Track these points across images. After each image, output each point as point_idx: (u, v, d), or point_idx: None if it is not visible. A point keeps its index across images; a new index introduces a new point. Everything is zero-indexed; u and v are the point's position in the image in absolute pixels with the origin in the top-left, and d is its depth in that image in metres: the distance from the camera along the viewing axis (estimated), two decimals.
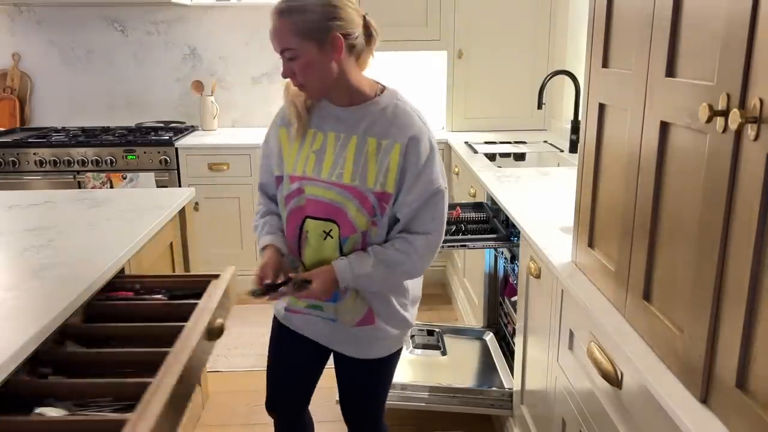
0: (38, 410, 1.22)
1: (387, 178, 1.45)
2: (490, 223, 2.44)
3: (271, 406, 1.77)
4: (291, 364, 1.73)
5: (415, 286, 1.67)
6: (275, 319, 1.72)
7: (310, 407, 1.85)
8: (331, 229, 1.49)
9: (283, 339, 1.70)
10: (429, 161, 1.47)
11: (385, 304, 1.58)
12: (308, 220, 1.51)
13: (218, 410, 2.61)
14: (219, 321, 1.52)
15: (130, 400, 1.24)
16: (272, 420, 1.82)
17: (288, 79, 1.48)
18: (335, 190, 1.47)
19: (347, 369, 1.68)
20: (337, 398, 1.76)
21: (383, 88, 1.53)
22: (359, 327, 1.58)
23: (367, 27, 1.46)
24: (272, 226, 1.60)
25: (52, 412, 1.21)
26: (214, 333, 1.49)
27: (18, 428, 1.17)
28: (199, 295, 1.62)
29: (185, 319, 1.50)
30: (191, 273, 1.76)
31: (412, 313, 1.68)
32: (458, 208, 2.57)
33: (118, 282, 1.72)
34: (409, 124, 1.47)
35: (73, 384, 1.30)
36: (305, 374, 1.74)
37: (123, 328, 1.52)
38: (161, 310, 1.60)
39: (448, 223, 2.40)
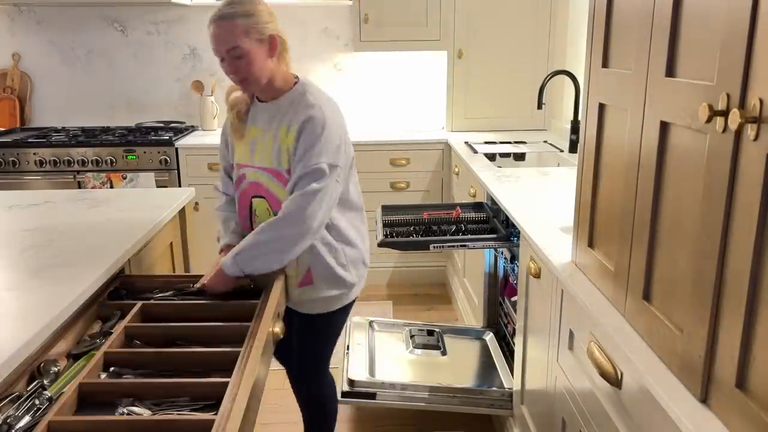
0: (124, 409, 1.23)
1: (289, 157, 1.71)
2: (490, 223, 2.44)
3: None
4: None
5: (350, 247, 1.84)
6: None
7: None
8: (267, 205, 1.78)
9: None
10: (317, 140, 1.66)
11: (321, 266, 1.79)
12: (254, 199, 1.80)
13: None
14: (280, 322, 1.60)
15: (207, 399, 1.27)
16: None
17: (229, 90, 1.83)
18: (261, 173, 1.77)
19: (295, 326, 1.90)
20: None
21: (296, 82, 1.78)
22: (301, 288, 1.81)
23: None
24: (233, 225, 1.88)
25: (139, 412, 1.23)
26: (277, 333, 1.55)
27: (107, 428, 1.19)
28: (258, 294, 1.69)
29: (245, 319, 1.54)
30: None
31: (353, 274, 1.86)
32: (458, 208, 2.57)
33: (175, 280, 1.82)
34: (304, 109, 1.70)
35: (150, 384, 1.32)
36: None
37: (186, 328, 1.55)
38: (216, 310, 1.63)
39: (449, 222, 2.43)
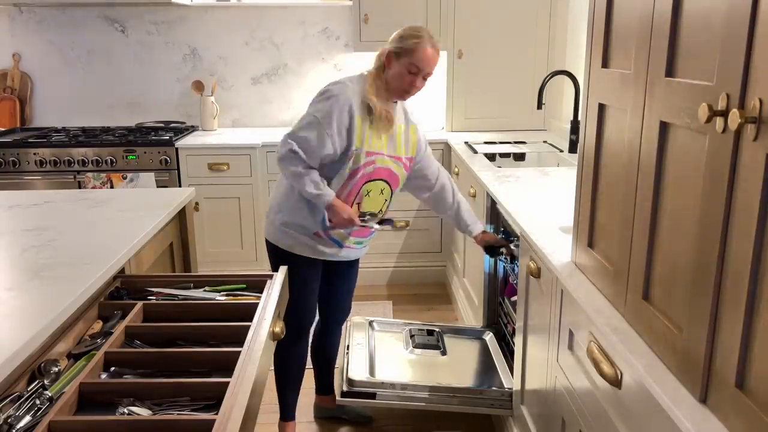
0: (125, 409, 1.23)
1: (413, 147, 2.20)
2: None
3: (298, 335, 2.26)
4: (317, 285, 2.27)
5: None
6: (301, 260, 2.15)
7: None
8: (383, 188, 2.14)
9: (312, 272, 2.21)
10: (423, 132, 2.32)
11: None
12: (370, 183, 2.09)
13: None
14: (280, 322, 1.59)
15: (207, 399, 1.28)
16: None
17: (372, 89, 2.08)
18: (393, 160, 2.12)
19: (344, 275, 2.34)
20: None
21: None
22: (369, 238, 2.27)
23: None
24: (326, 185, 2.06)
25: (140, 412, 1.23)
26: (278, 332, 1.55)
27: (107, 428, 1.19)
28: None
29: (245, 319, 1.54)
30: (245, 273, 1.83)
31: None
32: None
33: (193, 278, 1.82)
34: (411, 111, 2.25)
35: (150, 384, 1.32)
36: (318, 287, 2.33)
37: (186, 328, 1.55)
38: (217, 310, 1.63)
39: None
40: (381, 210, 2.18)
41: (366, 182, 2.08)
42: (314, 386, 2.56)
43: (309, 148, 2.00)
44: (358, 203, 2.09)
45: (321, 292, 2.31)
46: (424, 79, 2.07)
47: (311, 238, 2.12)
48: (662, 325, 1.14)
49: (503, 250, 2.26)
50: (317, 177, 2.02)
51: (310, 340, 2.40)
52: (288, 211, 2.12)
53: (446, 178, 2.30)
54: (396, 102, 2.14)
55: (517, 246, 2.12)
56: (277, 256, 2.17)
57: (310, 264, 2.18)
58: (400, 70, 2.04)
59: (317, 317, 2.38)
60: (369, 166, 2.07)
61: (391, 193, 2.18)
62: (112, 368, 1.39)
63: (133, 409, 1.24)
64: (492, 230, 2.59)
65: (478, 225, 2.29)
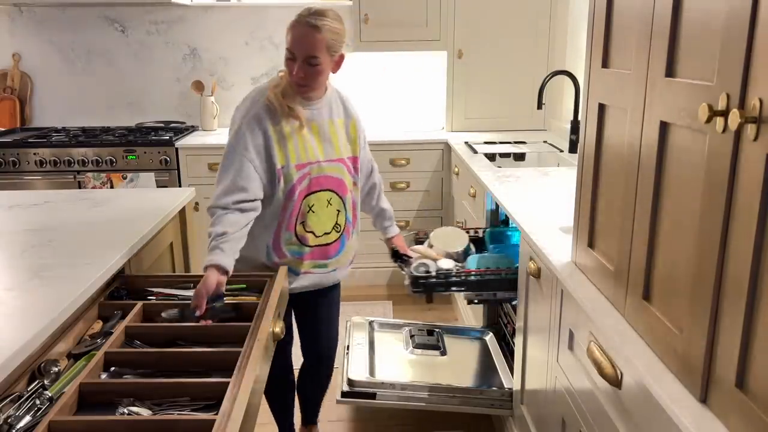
0: (125, 409, 1.23)
1: (353, 147, 1.96)
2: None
3: (288, 370, 2.20)
4: (286, 323, 2.04)
5: None
6: None
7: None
8: (330, 198, 1.90)
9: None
10: (364, 129, 2.06)
11: (355, 249, 2.08)
12: (311, 196, 1.86)
13: None
14: (280, 322, 1.59)
15: (207, 399, 1.28)
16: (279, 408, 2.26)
17: (276, 81, 1.86)
18: (333, 165, 1.90)
19: (321, 304, 2.09)
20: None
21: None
22: (351, 266, 2.10)
23: None
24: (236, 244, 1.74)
25: (141, 412, 1.23)
26: (278, 333, 1.55)
27: (107, 428, 1.19)
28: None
29: (245, 319, 1.55)
30: (245, 273, 1.83)
31: None
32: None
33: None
34: (352, 105, 2.03)
35: (150, 384, 1.32)
36: (290, 324, 2.14)
37: (186, 328, 1.55)
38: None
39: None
40: (338, 223, 1.92)
41: (305, 197, 1.85)
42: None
43: (240, 184, 1.74)
44: (302, 223, 1.85)
45: (298, 326, 2.15)
46: (309, 65, 1.74)
47: (266, 268, 1.88)
48: (662, 325, 1.14)
49: (405, 258, 2.21)
50: (230, 224, 1.72)
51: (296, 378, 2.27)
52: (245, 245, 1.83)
53: (377, 179, 2.16)
54: (320, 98, 1.87)
55: (407, 266, 2.19)
56: None
57: None
58: (285, 58, 1.79)
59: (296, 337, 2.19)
60: (303, 180, 1.83)
61: (343, 201, 1.92)
62: (112, 368, 1.39)
63: (133, 409, 1.24)
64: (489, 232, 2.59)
65: (394, 229, 2.23)
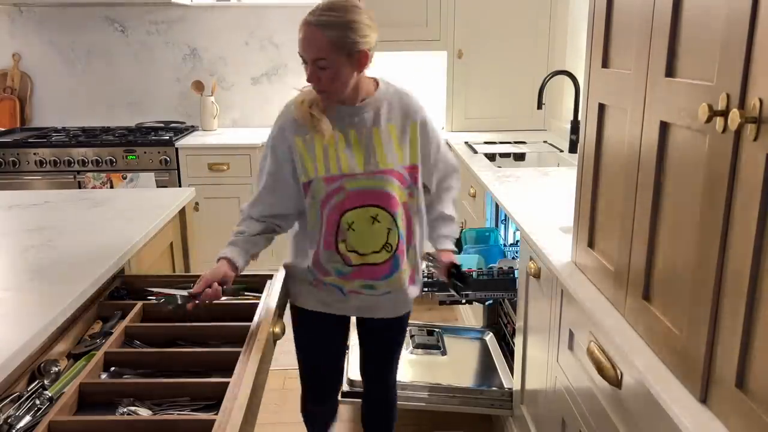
0: (125, 409, 1.24)
1: (412, 153, 1.69)
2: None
3: (320, 399, 1.97)
4: (335, 347, 1.91)
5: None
6: (308, 314, 1.78)
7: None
8: (377, 214, 1.64)
9: (323, 329, 1.83)
10: (435, 130, 1.78)
11: (418, 266, 1.80)
12: (348, 213, 1.63)
13: None
14: (281, 322, 1.59)
15: (207, 399, 1.28)
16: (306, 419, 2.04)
17: (305, 92, 1.65)
18: (375, 177, 1.64)
19: (377, 332, 1.88)
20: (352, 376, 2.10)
21: (376, 80, 1.70)
22: (410, 286, 1.78)
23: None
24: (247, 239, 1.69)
25: (141, 412, 1.23)
26: (278, 333, 1.55)
27: (107, 428, 1.20)
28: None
29: (245, 319, 1.55)
30: (245, 273, 1.82)
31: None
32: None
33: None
34: (416, 105, 1.74)
35: (150, 384, 1.32)
36: (343, 350, 1.95)
37: (186, 328, 1.55)
38: (217, 310, 1.63)
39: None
40: (389, 242, 1.66)
41: (342, 214, 1.63)
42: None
43: (267, 201, 1.71)
44: (344, 241, 1.65)
45: (365, 357, 1.99)
46: (319, 68, 1.53)
47: (311, 284, 1.74)
48: (662, 325, 1.14)
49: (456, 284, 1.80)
50: (248, 227, 1.70)
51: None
52: (291, 251, 1.80)
53: (452, 183, 1.88)
54: (361, 101, 1.65)
55: (461, 294, 2.06)
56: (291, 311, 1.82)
57: (321, 319, 1.78)
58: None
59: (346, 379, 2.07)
60: (336, 195, 1.63)
61: (393, 218, 1.65)
62: (112, 368, 1.39)
63: (133, 409, 1.24)
64: (496, 236, 2.59)
65: (447, 243, 1.85)
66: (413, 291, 1.80)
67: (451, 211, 1.86)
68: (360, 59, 1.55)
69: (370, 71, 1.64)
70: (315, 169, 1.63)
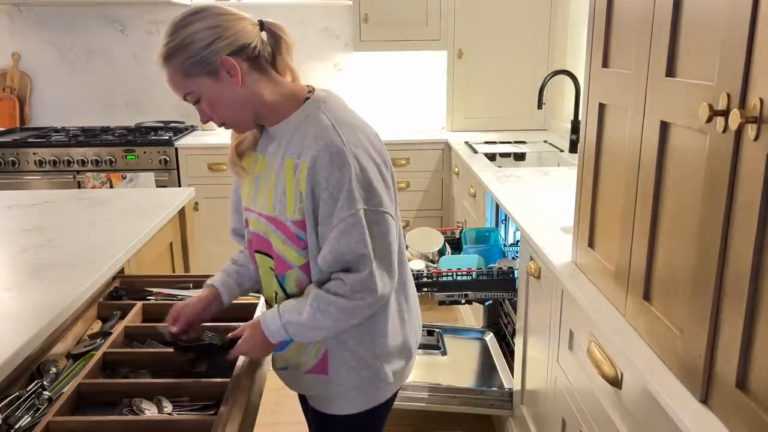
0: (124, 410, 1.23)
1: (299, 204, 1.26)
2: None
3: None
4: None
5: (395, 334, 1.39)
6: None
7: None
8: (272, 265, 1.35)
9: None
10: (342, 180, 1.21)
11: (344, 353, 1.34)
12: (257, 254, 1.39)
13: None
14: None
15: (207, 399, 1.28)
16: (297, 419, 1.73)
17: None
18: (262, 221, 1.33)
19: (313, 420, 1.49)
20: None
21: (308, 97, 1.31)
22: (311, 374, 1.37)
23: (268, 31, 1.29)
24: (230, 267, 1.50)
25: (147, 411, 1.23)
26: None
27: (106, 428, 1.19)
28: None
29: (245, 319, 1.53)
30: None
31: (390, 368, 1.38)
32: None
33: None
34: (319, 136, 1.23)
35: (150, 384, 1.32)
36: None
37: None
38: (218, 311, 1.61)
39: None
40: (278, 303, 1.34)
41: (256, 253, 1.39)
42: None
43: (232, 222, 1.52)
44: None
45: None
46: (195, 103, 1.31)
47: None
48: (663, 325, 1.14)
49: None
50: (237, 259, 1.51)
51: None
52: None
53: (321, 289, 1.28)
54: (277, 124, 1.31)
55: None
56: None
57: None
58: None
59: None
60: (246, 228, 1.42)
61: (279, 282, 1.34)
62: (111, 368, 1.39)
63: (133, 409, 1.24)
64: (496, 235, 2.58)
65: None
66: (327, 384, 1.36)
67: (309, 319, 1.25)
68: (228, 71, 1.22)
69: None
70: (243, 197, 1.41)
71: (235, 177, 1.41)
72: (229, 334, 1.34)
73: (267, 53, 1.28)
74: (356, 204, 1.21)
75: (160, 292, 1.71)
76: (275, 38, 1.30)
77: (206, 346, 1.35)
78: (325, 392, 1.39)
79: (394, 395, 1.48)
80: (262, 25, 1.29)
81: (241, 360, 1.36)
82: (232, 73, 1.23)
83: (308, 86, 1.34)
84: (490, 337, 2.65)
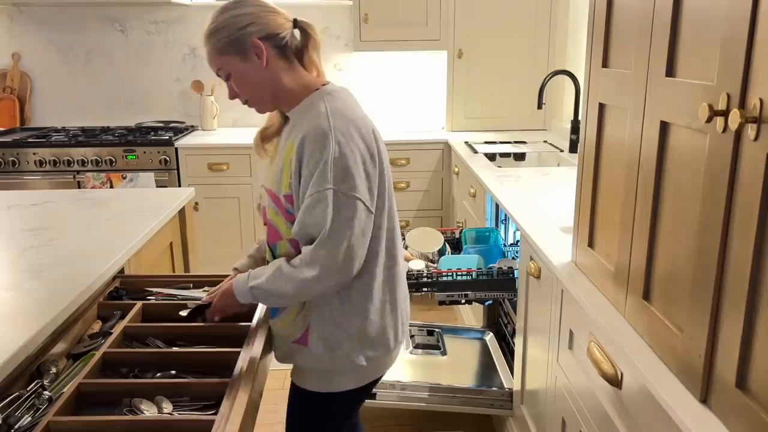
0: (124, 410, 1.23)
1: (288, 179, 1.39)
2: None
3: None
4: None
5: (374, 321, 1.46)
6: None
7: None
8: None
9: None
10: (320, 159, 1.31)
11: (323, 329, 1.44)
12: (265, 228, 1.52)
13: None
14: None
15: (207, 399, 1.28)
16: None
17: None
18: (266, 195, 1.49)
19: (290, 395, 1.59)
20: None
21: (320, 86, 1.44)
22: (297, 345, 1.47)
23: (300, 28, 1.46)
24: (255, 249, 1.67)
25: (148, 411, 1.23)
26: None
27: (106, 428, 1.19)
28: None
29: (245, 319, 1.54)
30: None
31: (363, 353, 1.46)
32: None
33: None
34: (311, 120, 1.36)
35: (150, 384, 1.32)
36: None
37: (186, 328, 1.54)
38: None
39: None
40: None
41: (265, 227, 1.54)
42: None
43: None
44: None
45: None
46: (225, 80, 1.44)
47: None
48: (663, 325, 1.14)
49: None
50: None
51: None
52: None
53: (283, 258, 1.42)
54: (293, 108, 1.46)
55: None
56: None
57: None
58: None
59: None
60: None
61: (272, 252, 1.48)
62: (111, 368, 1.39)
63: (133, 409, 1.24)
64: (495, 236, 2.59)
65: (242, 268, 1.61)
66: (304, 356, 1.47)
67: (267, 283, 1.37)
68: (256, 53, 1.37)
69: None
70: (263, 173, 1.57)
71: (258, 158, 1.58)
72: (210, 293, 1.55)
73: (294, 46, 1.45)
74: (326, 183, 1.31)
75: (160, 292, 1.71)
76: (305, 35, 1.46)
77: (198, 307, 1.54)
78: (303, 364, 1.50)
79: (369, 387, 1.57)
80: (295, 22, 1.46)
81: (241, 360, 1.36)
82: (259, 54, 1.38)
83: (327, 82, 1.48)
84: (490, 337, 2.65)
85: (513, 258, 2.36)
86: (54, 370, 1.34)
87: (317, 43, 1.48)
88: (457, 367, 2.46)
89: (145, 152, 3.54)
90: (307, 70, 1.46)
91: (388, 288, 1.49)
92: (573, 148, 3.09)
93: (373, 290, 1.45)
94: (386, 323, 1.49)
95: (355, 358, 1.46)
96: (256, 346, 1.41)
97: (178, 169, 3.58)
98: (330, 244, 1.31)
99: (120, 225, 1.95)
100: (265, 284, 1.38)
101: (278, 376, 2.60)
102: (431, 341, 2.57)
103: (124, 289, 1.71)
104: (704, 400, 1.01)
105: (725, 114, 0.92)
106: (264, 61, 1.38)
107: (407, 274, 1.99)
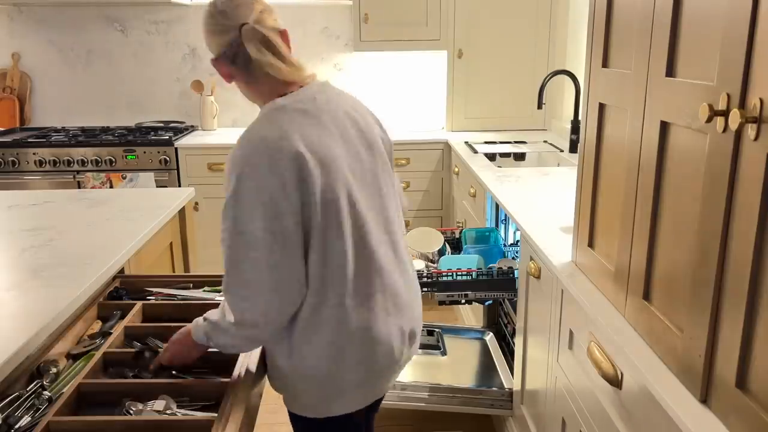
0: (124, 410, 1.23)
1: None
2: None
3: None
4: None
5: (316, 363, 1.32)
6: None
7: None
8: None
9: None
10: (227, 195, 1.24)
11: (270, 357, 1.39)
12: None
13: None
14: None
15: (207, 399, 1.28)
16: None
17: None
18: None
19: None
20: None
21: (285, 94, 1.37)
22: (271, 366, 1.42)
23: (251, 32, 1.34)
24: None
25: (155, 408, 1.23)
26: None
27: (106, 428, 1.19)
28: None
29: None
30: None
31: (304, 393, 1.37)
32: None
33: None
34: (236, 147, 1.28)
35: (150, 384, 1.32)
36: None
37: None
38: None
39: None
40: None
41: None
42: None
43: None
44: None
45: None
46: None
47: None
48: (663, 325, 1.14)
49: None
50: None
51: None
52: None
53: None
54: None
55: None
56: None
57: None
58: None
59: None
60: None
61: None
62: (111, 368, 1.39)
63: (132, 409, 1.24)
64: (496, 236, 2.58)
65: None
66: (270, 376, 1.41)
67: (213, 340, 1.32)
68: (218, 71, 1.42)
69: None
70: None
71: None
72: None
73: (243, 56, 1.37)
74: (223, 221, 1.25)
75: (160, 292, 1.71)
76: (249, 43, 1.36)
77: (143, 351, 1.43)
78: (278, 385, 1.41)
79: (329, 420, 1.40)
80: (240, 29, 1.36)
81: (241, 360, 1.36)
82: (221, 73, 1.43)
83: (301, 82, 1.40)
84: (490, 337, 2.65)
85: (513, 258, 2.36)
86: (54, 370, 1.34)
87: (261, 48, 1.34)
88: (456, 367, 2.46)
89: (145, 152, 3.54)
90: (274, 73, 1.34)
91: (344, 327, 1.32)
92: (573, 148, 3.09)
93: (320, 330, 1.31)
94: (334, 368, 1.34)
95: (296, 394, 1.37)
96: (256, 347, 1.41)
97: (178, 169, 3.58)
98: (231, 287, 1.25)
99: (120, 225, 1.95)
100: (213, 341, 1.31)
101: None
102: (431, 341, 2.57)
103: (124, 289, 1.71)
104: (704, 400, 1.01)
105: (725, 114, 0.92)
106: (227, 79, 1.41)
107: None
